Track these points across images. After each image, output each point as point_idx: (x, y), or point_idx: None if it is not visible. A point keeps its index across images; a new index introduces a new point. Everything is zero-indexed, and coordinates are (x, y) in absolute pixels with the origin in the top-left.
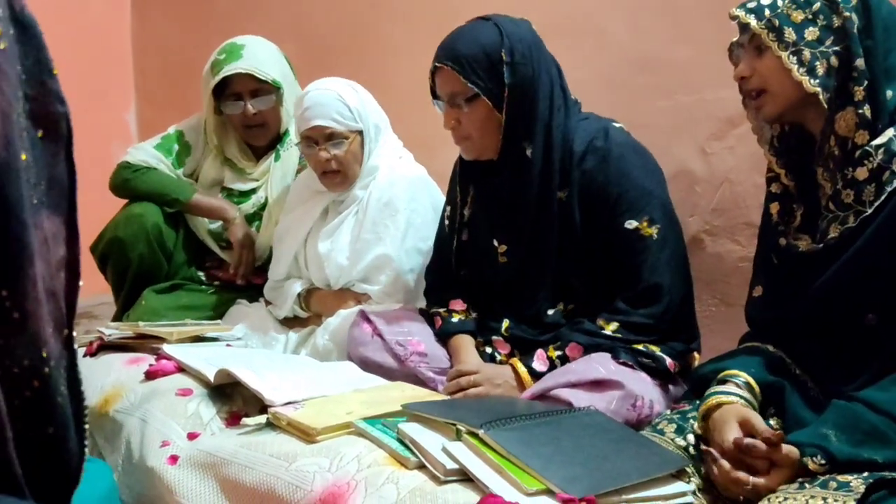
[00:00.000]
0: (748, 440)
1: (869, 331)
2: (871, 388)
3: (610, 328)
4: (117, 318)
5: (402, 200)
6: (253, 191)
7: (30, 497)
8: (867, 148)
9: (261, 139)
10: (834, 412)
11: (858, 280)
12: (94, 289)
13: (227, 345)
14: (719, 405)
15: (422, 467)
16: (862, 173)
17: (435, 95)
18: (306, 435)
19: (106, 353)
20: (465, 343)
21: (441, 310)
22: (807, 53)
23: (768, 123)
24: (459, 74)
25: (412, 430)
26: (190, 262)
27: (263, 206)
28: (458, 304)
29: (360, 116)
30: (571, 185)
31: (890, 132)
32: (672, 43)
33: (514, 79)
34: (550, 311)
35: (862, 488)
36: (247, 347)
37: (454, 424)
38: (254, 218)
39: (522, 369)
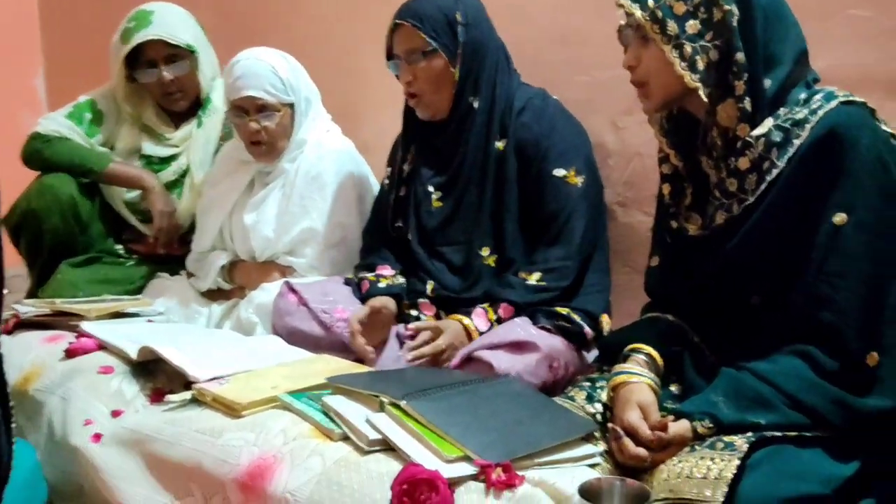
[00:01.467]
0: (648, 435)
1: (753, 311)
2: (760, 360)
3: (533, 278)
4: (32, 292)
5: (329, 174)
6: (173, 157)
7: None
8: (748, 139)
9: (179, 105)
10: (723, 380)
11: (743, 265)
12: (8, 261)
13: (149, 320)
14: (626, 383)
15: (346, 438)
16: (744, 163)
17: (390, 56)
18: (232, 410)
19: (22, 331)
20: (386, 300)
21: (369, 275)
22: (688, 48)
23: (653, 112)
24: (420, 30)
25: (336, 402)
26: (107, 233)
27: (184, 174)
28: (385, 270)
29: (293, 89)
30: (509, 137)
31: (769, 122)
32: (590, 18)
33: (467, 37)
34: (481, 253)
35: (745, 447)
36: (169, 322)
37: (377, 396)
38: (174, 185)
39: (472, 325)
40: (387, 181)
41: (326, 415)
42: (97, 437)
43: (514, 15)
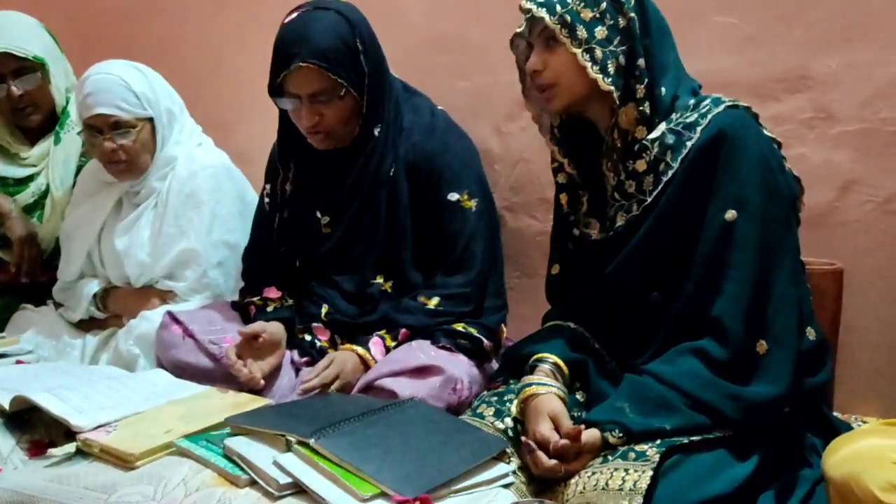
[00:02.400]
0: (561, 442)
1: (654, 307)
2: (657, 361)
3: (432, 303)
4: None
5: (205, 192)
6: (31, 177)
7: None
8: (644, 142)
9: (32, 120)
10: (627, 386)
11: (644, 262)
12: None
13: (18, 361)
14: (535, 395)
15: (253, 484)
16: (641, 165)
17: (277, 93)
18: (124, 461)
19: None
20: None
21: (255, 298)
22: (598, 52)
23: (556, 115)
24: (328, 72)
25: (239, 444)
26: None
27: (44, 195)
28: (272, 292)
29: (150, 103)
30: (398, 160)
31: (662, 126)
32: (468, 25)
33: (370, 66)
34: (375, 281)
35: (657, 457)
36: (39, 360)
37: (283, 435)
38: (34, 208)
39: (368, 355)
40: (267, 199)
41: (230, 459)
42: None
43: (395, 21)
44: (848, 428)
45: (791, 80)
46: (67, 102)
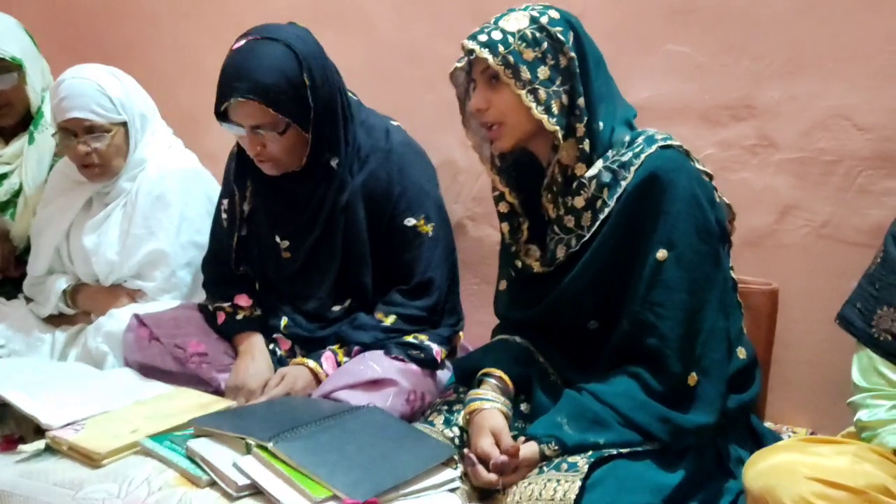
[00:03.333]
0: (500, 459)
1: (592, 334)
2: (597, 380)
3: (389, 320)
4: None
5: (174, 193)
6: (4, 176)
7: None
8: (582, 180)
9: (6, 120)
10: (566, 401)
11: (582, 293)
12: None
13: None
14: (479, 410)
15: (213, 484)
16: (579, 202)
17: (222, 117)
18: (90, 459)
19: None
20: (255, 342)
21: (225, 304)
22: (542, 93)
23: (503, 152)
24: (269, 107)
25: (201, 446)
26: None
27: (17, 193)
28: (243, 300)
29: (124, 107)
30: (354, 187)
31: (599, 164)
32: (435, 38)
33: (317, 102)
34: (335, 308)
35: (586, 467)
36: (11, 355)
37: (243, 438)
38: (7, 206)
39: (319, 369)
40: (225, 215)
41: (192, 460)
42: None
43: (363, 33)
44: (777, 439)
45: (737, 108)
46: (42, 102)
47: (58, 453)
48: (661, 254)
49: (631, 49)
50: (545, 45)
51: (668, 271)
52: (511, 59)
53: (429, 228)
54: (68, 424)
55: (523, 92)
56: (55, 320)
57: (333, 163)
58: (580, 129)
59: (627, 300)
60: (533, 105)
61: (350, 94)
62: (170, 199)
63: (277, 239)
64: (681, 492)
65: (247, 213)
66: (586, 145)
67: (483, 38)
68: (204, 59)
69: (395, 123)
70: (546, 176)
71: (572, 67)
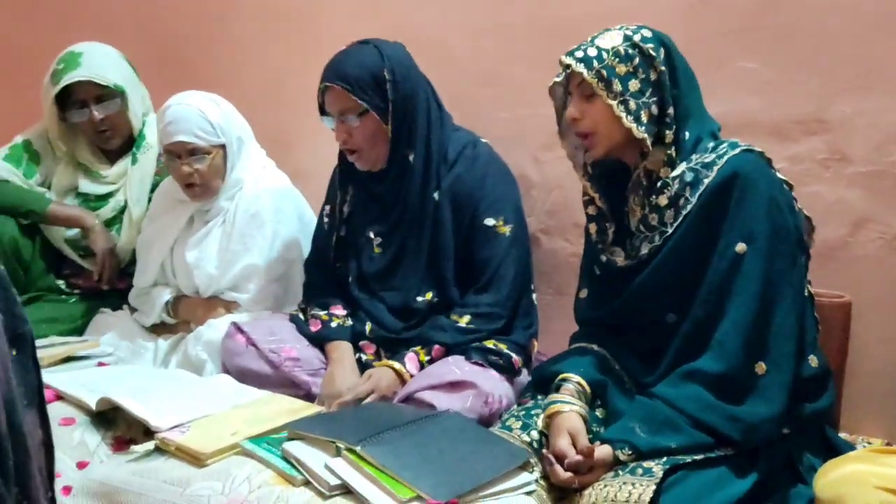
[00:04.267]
0: (575, 459)
1: (669, 328)
2: (664, 383)
3: (463, 321)
4: None
5: (268, 212)
6: (110, 194)
7: None
8: (666, 179)
9: (112, 143)
10: (638, 407)
11: (662, 286)
12: None
13: (100, 363)
14: (559, 412)
15: (307, 484)
16: (663, 200)
17: (323, 112)
18: (196, 459)
19: None
20: (345, 350)
21: (322, 313)
22: (632, 103)
23: (599, 158)
24: (349, 93)
25: (296, 448)
26: (48, 270)
27: (122, 210)
28: (338, 310)
29: (223, 131)
30: (443, 188)
31: (683, 166)
32: (509, 61)
33: (396, 95)
34: (419, 299)
35: (661, 473)
36: (119, 362)
37: (334, 442)
38: (113, 222)
39: (403, 370)
40: (326, 219)
41: (287, 460)
42: (67, 489)
43: (439, 56)
44: (851, 449)
45: (808, 123)
46: (143, 126)
47: (166, 453)
48: (741, 247)
49: (702, 66)
50: (637, 59)
51: (745, 263)
52: (604, 73)
53: (507, 230)
54: (175, 427)
55: (615, 103)
56: (157, 329)
57: (410, 157)
58: (668, 136)
59: (705, 290)
60: (624, 115)
61: (444, 110)
62: (264, 218)
63: (371, 235)
64: (752, 497)
65: (346, 214)
66: (672, 151)
67: (580, 54)
68: (290, 82)
69: (483, 140)
70: (633, 179)
71: (662, 80)
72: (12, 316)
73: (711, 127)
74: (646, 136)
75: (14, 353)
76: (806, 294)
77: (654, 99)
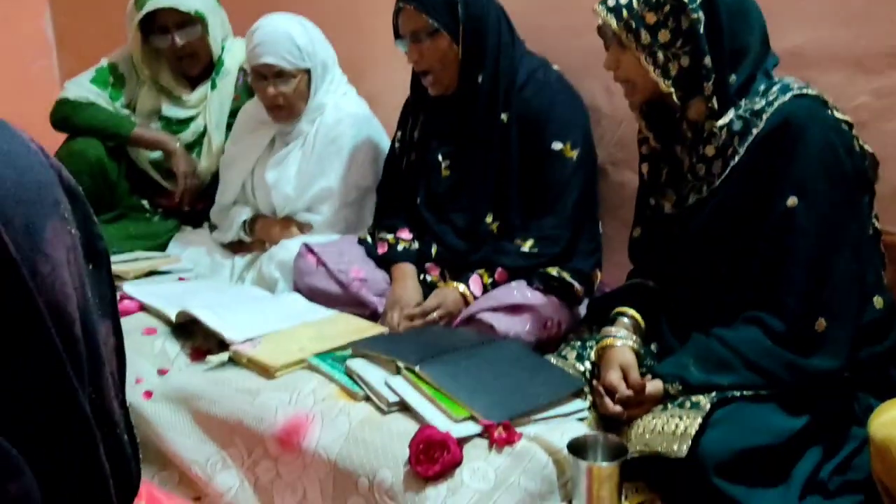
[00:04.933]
0: (626, 393)
1: (721, 281)
2: (724, 326)
3: (527, 245)
4: None
5: (346, 138)
6: (191, 119)
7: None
8: (713, 130)
9: (193, 68)
10: (693, 344)
11: (710, 239)
12: None
13: (180, 278)
14: (612, 346)
15: (367, 399)
16: (710, 151)
17: (397, 35)
18: (266, 372)
19: None
20: (408, 271)
21: (389, 236)
22: (661, 55)
23: (637, 107)
24: (421, 11)
25: (358, 366)
26: (133, 190)
27: (203, 134)
28: (405, 233)
29: (309, 55)
30: (511, 109)
31: (731, 113)
32: None
33: (467, 15)
34: (487, 220)
35: (708, 406)
36: (198, 278)
37: (394, 361)
38: (194, 145)
39: (468, 292)
40: (398, 144)
41: (350, 377)
42: (148, 394)
43: None
44: None
45: None
46: (223, 51)
47: (238, 364)
48: (792, 201)
49: None
50: (667, 7)
51: (798, 218)
52: (633, 23)
53: (573, 154)
54: (247, 340)
55: (642, 55)
56: (234, 247)
57: (479, 79)
58: (707, 87)
59: (757, 248)
60: (651, 68)
61: (516, 34)
62: (342, 144)
63: (440, 157)
64: (802, 436)
65: (416, 138)
66: (714, 102)
67: (611, 2)
68: (363, 7)
69: (555, 67)
70: (678, 131)
71: (695, 28)
72: (90, 234)
73: (766, 65)
74: (672, 90)
75: (91, 266)
76: (871, 232)
77: (687, 48)
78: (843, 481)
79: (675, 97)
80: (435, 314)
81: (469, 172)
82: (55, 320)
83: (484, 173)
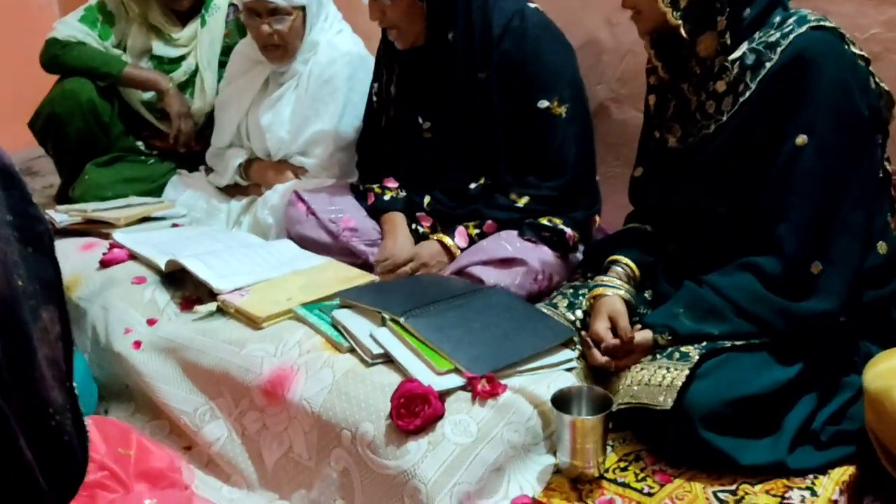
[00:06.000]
0: (611, 343)
1: (721, 220)
2: (717, 273)
3: (522, 201)
4: (62, 191)
5: (341, 78)
6: (182, 57)
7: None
8: (725, 63)
9: (182, 4)
10: (685, 293)
11: (713, 176)
12: (29, 143)
13: (174, 224)
14: (602, 295)
15: (352, 351)
16: (721, 86)
17: None
18: (253, 322)
19: (59, 237)
20: (398, 221)
21: (374, 186)
22: None
23: (644, 35)
24: None
25: (344, 316)
26: (127, 132)
27: (195, 73)
28: (391, 182)
29: None
30: (490, 66)
31: (744, 46)
32: None
33: None
34: (472, 185)
35: (697, 357)
36: (191, 222)
37: (380, 312)
38: (186, 85)
39: (451, 243)
40: (375, 98)
41: (335, 327)
42: (137, 343)
43: None
44: None
45: None
46: None
47: (226, 314)
48: (801, 139)
49: None
50: None
51: (805, 159)
52: None
53: (562, 110)
54: (236, 290)
55: None
56: (231, 191)
57: (450, 36)
58: (721, 21)
59: (762, 185)
60: None
61: None
62: (336, 84)
63: (420, 120)
64: (794, 385)
65: (394, 94)
66: (727, 38)
67: None
68: None
69: (532, 6)
70: (686, 67)
71: None
72: (27, 216)
73: None
74: (680, 23)
75: (29, 249)
76: (881, 174)
77: None
78: (836, 431)
79: (683, 31)
80: (408, 267)
81: (452, 138)
82: None
83: (467, 138)
